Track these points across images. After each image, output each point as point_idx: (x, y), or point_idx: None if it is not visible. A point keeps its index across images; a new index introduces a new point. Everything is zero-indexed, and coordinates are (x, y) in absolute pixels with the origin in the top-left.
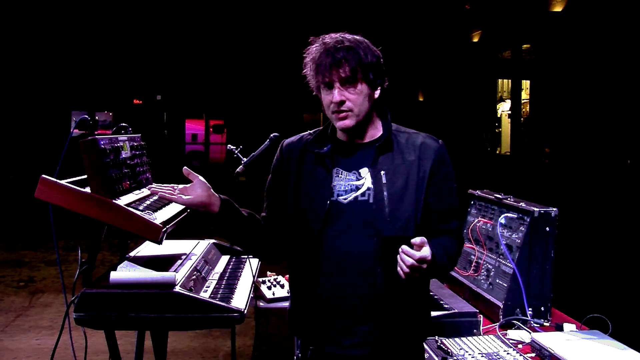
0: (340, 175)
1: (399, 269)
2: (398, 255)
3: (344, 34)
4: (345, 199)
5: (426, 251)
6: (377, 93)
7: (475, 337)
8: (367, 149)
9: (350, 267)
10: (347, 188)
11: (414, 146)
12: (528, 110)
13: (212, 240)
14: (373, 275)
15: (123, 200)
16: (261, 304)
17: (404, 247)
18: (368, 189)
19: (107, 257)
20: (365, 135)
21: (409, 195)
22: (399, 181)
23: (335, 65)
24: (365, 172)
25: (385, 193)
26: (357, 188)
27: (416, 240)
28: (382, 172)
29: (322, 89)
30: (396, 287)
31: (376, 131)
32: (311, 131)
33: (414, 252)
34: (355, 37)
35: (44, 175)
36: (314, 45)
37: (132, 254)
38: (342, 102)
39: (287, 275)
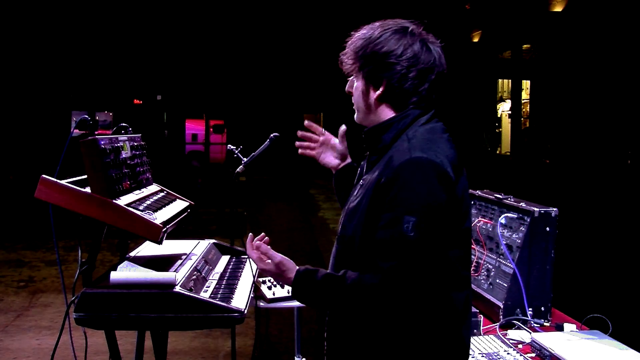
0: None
1: None
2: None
3: (384, 21)
4: (348, 207)
5: (260, 257)
6: (375, 93)
7: (475, 337)
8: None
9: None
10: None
11: (385, 159)
12: (528, 110)
13: (212, 240)
14: None
15: (123, 200)
16: (261, 304)
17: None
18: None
19: (107, 257)
20: (377, 140)
21: (360, 215)
22: (360, 197)
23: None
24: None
25: (346, 208)
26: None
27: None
28: (360, 184)
29: None
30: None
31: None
32: None
33: (250, 241)
34: (377, 23)
35: (44, 175)
36: None
37: (132, 254)
38: (349, 94)
39: None
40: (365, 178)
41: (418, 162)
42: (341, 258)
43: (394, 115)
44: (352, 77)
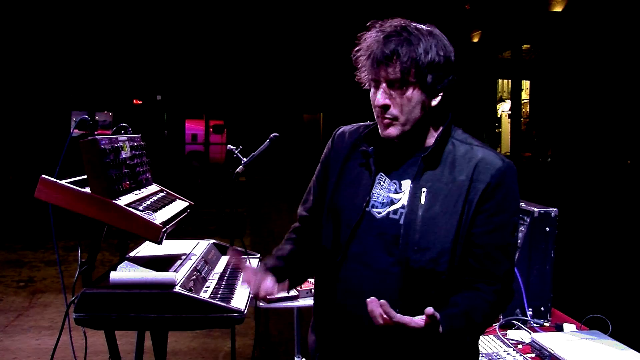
0: (382, 183)
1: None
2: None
3: (410, 22)
4: (379, 212)
5: (413, 321)
6: (435, 100)
7: None
8: (416, 157)
9: (366, 297)
10: (384, 200)
11: (469, 163)
12: (528, 110)
13: (212, 240)
14: None
15: (123, 200)
16: (261, 304)
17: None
18: (402, 206)
19: (107, 257)
20: (417, 141)
21: (449, 223)
22: (440, 203)
23: (383, 61)
24: (406, 185)
25: (419, 215)
26: (392, 202)
27: (428, 309)
28: (424, 190)
29: (370, 85)
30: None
31: (432, 139)
32: (370, 123)
33: (392, 313)
34: (423, 27)
35: (44, 175)
36: (372, 31)
37: (132, 254)
38: (385, 107)
39: None
40: (420, 184)
41: (512, 167)
42: (422, 275)
43: (434, 122)
44: (381, 86)
